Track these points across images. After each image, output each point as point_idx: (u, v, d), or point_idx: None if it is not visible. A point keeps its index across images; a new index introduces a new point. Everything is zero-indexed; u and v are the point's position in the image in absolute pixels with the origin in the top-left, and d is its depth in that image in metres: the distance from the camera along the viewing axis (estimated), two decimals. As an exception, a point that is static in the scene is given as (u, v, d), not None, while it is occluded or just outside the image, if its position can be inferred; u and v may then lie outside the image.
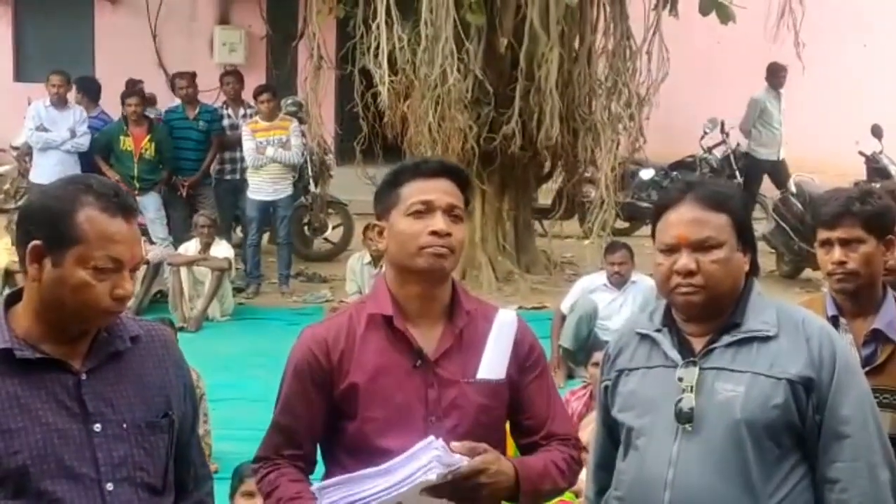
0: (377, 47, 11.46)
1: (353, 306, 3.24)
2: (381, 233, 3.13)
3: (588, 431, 7.13)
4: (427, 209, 3.03)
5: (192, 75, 13.01)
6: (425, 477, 2.78)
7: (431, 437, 2.85)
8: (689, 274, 2.88)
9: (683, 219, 2.93)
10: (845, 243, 3.75)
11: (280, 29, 16.02)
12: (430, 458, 2.80)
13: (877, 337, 3.76)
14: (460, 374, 3.06)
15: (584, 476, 6.59)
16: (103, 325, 2.68)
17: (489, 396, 3.08)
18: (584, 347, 8.87)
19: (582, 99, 12.18)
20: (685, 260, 2.89)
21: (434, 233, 3.00)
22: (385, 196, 3.11)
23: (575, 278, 11.09)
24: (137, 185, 11.94)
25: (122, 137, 12.17)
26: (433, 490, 2.83)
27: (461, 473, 2.85)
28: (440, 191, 3.06)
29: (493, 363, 3.10)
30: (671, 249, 2.93)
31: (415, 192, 3.05)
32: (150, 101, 13.33)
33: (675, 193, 3.00)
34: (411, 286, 3.08)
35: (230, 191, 12.80)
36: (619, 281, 9.41)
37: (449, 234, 3.01)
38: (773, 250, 12.76)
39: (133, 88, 13.08)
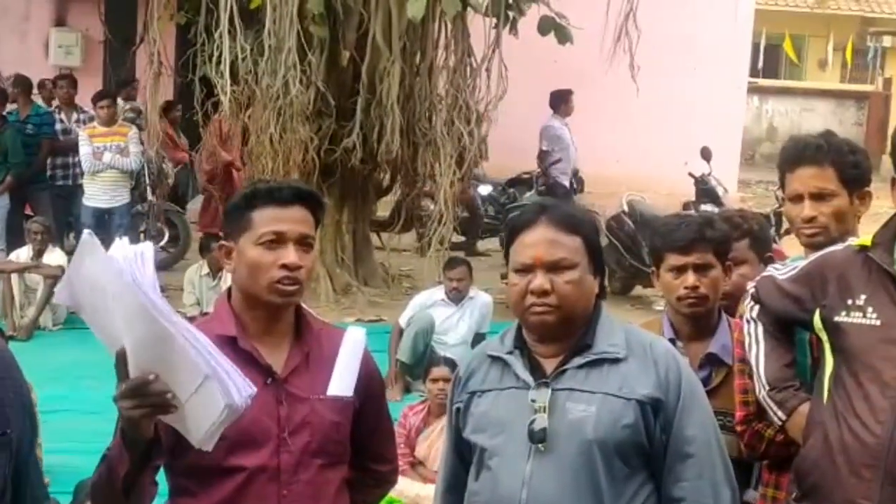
0: (219, 56, 11.35)
1: (195, 326, 3.22)
2: (228, 253, 3.11)
3: (425, 446, 7.24)
4: (278, 240, 3.02)
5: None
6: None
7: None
8: (544, 294, 2.93)
9: (539, 240, 2.98)
10: (698, 268, 3.86)
11: (119, 33, 15.70)
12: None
13: (711, 360, 3.89)
14: (310, 391, 3.07)
15: (413, 489, 6.68)
16: None
17: (339, 413, 3.10)
18: (422, 362, 8.94)
19: (422, 114, 12.25)
20: (540, 280, 2.94)
21: (284, 266, 3.00)
22: (236, 218, 3.09)
23: (413, 292, 11.16)
24: (-26, 186, 11.71)
25: None
26: None
27: None
28: (293, 220, 3.04)
29: (343, 380, 3.12)
30: (526, 270, 2.97)
31: (267, 220, 3.03)
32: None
33: (529, 215, 3.05)
34: (258, 311, 3.07)
35: (63, 196, 12.57)
36: (457, 296, 9.50)
37: (300, 267, 3.01)
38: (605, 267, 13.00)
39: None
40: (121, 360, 2.59)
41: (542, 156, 14.64)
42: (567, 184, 14.58)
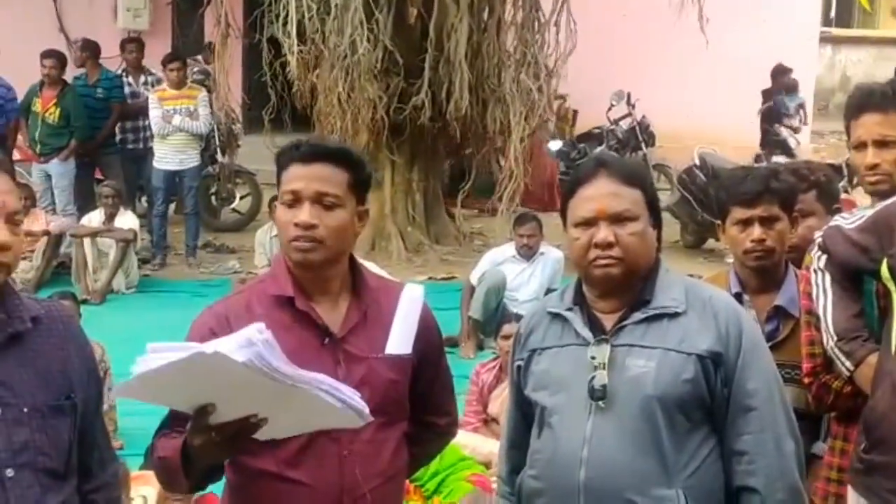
0: (286, 16, 11.38)
1: (251, 287, 3.21)
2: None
3: (498, 403, 7.22)
4: (295, 199, 3.00)
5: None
6: (230, 352, 2.46)
7: (262, 325, 2.56)
8: (609, 246, 2.90)
9: (601, 192, 2.95)
10: (765, 221, 3.83)
11: (186, -5, 15.78)
12: (248, 337, 2.50)
13: (779, 313, 3.87)
14: (368, 350, 3.05)
15: (486, 446, 6.67)
16: None
17: (397, 371, 3.09)
18: (494, 318, 8.94)
19: (491, 70, 12.19)
20: (605, 232, 2.91)
21: (297, 225, 2.98)
22: (278, 177, 3.09)
23: (484, 249, 11.15)
24: (38, 150, 11.80)
25: (35, 99, 12.02)
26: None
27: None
28: (309, 178, 3.00)
29: (401, 338, 3.09)
30: (588, 223, 2.94)
31: (288, 179, 3.02)
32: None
33: (588, 168, 3.02)
34: (301, 271, 3.06)
35: (133, 160, 12.68)
36: (527, 253, 9.49)
37: (314, 226, 2.97)
38: (677, 220, 12.94)
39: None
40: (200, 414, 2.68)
41: None
42: None
